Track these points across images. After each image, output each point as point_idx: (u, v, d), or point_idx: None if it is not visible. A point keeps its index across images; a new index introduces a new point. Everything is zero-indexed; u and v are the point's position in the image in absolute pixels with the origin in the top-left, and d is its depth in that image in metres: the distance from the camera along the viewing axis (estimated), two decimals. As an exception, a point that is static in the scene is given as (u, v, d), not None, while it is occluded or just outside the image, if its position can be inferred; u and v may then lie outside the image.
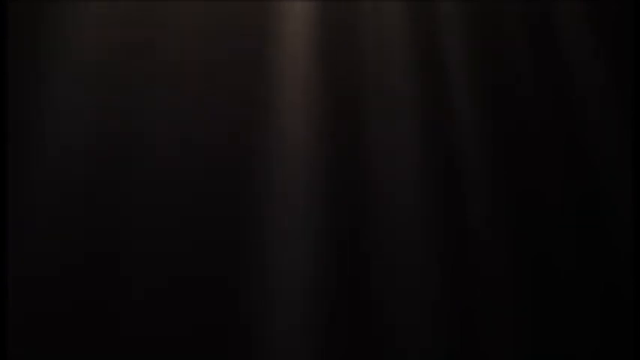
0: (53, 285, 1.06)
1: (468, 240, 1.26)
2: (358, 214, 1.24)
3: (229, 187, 1.20)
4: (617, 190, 1.34)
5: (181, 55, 1.31)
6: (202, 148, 1.23)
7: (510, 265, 1.25)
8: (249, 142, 1.25)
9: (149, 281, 1.10)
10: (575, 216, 1.33)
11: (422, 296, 1.17)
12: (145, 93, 1.26)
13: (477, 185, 1.31)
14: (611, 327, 1.23)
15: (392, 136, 1.33)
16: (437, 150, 1.34)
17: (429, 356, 1.13)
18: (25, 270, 1.06)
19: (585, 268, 1.28)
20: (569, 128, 1.42)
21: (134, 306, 1.08)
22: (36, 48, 1.24)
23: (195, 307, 1.09)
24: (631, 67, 1.48)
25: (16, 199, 1.11)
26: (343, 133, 1.31)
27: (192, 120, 1.25)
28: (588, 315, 1.23)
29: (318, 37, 1.40)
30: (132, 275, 1.10)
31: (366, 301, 1.16)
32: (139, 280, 1.10)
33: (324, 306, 1.13)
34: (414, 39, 1.47)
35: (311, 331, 1.10)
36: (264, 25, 1.38)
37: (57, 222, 1.11)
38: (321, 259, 1.16)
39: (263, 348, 1.08)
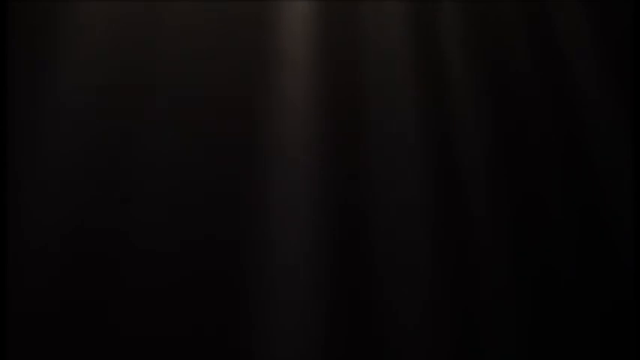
0: (53, 285, 1.06)
1: (468, 241, 1.26)
2: (358, 214, 1.24)
3: (229, 185, 1.20)
4: (618, 192, 1.34)
5: (182, 53, 1.31)
6: (202, 148, 1.23)
7: (510, 265, 1.25)
8: (249, 141, 1.25)
9: (148, 281, 1.10)
10: (575, 217, 1.33)
11: (422, 296, 1.17)
12: (144, 92, 1.26)
13: (478, 186, 1.31)
14: (611, 330, 1.23)
15: (392, 136, 1.33)
16: (437, 150, 1.34)
17: (429, 356, 1.13)
18: (25, 269, 1.06)
19: (585, 269, 1.28)
20: (569, 129, 1.42)
21: (133, 306, 1.08)
22: (36, 47, 1.24)
23: (195, 307, 1.09)
24: (631, 67, 1.48)
25: (16, 200, 1.11)
26: (343, 133, 1.31)
27: (192, 119, 1.25)
28: (588, 317, 1.23)
29: (318, 36, 1.40)
30: (131, 275, 1.10)
31: (366, 301, 1.16)
32: (138, 281, 1.10)
33: (323, 306, 1.13)
34: (415, 38, 1.47)
35: (311, 330, 1.10)
36: (265, 23, 1.38)
37: (56, 222, 1.11)
38: (321, 259, 1.16)
39: (263, 347, 1.08)
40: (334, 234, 1.20)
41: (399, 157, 1.30)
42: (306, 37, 1.39)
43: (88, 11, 1.30)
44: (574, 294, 1.24)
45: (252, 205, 1.19)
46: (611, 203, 1.33)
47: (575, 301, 1.24)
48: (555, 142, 1.40)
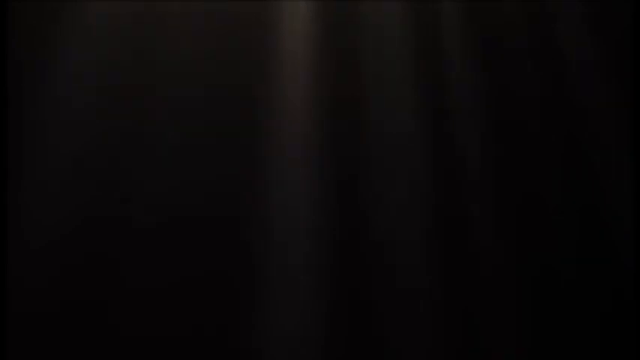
0: (53, 285, 1.06)
1: (469, 241, 1.26)
2: (358, 214, 1.23)
3: (229, 185, 1.20)
4: (618, 192, 1.34)
5: (182, 53, 1.31)
6: (202, 148, 1.23)
7: (511, 265, 1.25)
8: (249, 141, 1.25)
9: (148, 281, 1.10)
10: (575, 217, 1.33)
11: (422, 296, 1.17)
12: (144, 92, 1.26)
13: (478, 186, 1.31)
14: (612, 330, 1.23)
15: (392, 136, 1.32)
16: (437, 150, 1.34)
17: (429, 356, 1.13)
18: (25, 269, 1.06)
19: (585, 269, 1.28)
20: (569, 129, 1.42)
21: (133, 306, 1.08)
22: (36, 47, 1.24)
23: (195, 307, 1.09)
24: (631, 67, 1.48)
25: (16, 200, 1.11)
26: (343, 133, 1.31)
27: (192, 119, 1.25)
28: (588, 317, 1.23)
29: (318, 36, 1.40)
30: (131, 275, 1.10)
31: (366, 301, 1.16)
32: (138, 281, 1.10)
33: (323, 306, 1.13)
34: (415, 38, 1.47)
35: (311, 330, 1.10)
36: (265, 24, 1.38)
37: (56, 222, 1.11)
38: (321, 259, 1.16)
39: (263, 347, 1.08)
40: (334, 234, 1.20)
41: (398, 157, 1.30)
42: (306, 37, 1.39)
43: (88, 11, 1.30)
44: (574, 294, 1.24)
45: (252, 205, 1.19)
46: (611, 203, 1.33)
47: (575, 301, 1.24)
48: (555, 142, 1.40)
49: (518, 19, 1.54)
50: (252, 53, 1.34)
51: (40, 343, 1.02)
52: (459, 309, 1.19)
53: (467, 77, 1.43)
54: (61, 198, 1.12)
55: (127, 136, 1.21)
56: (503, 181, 1.33)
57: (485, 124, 1.39)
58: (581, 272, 1.27)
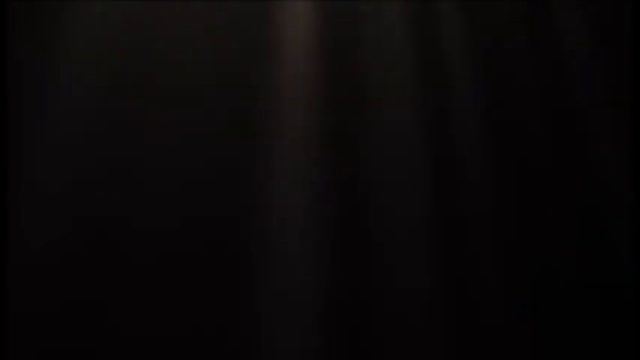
0: (53, 285, 1.06)
1: (468, 240, 1.26)
2: (358, 214, 1.23)
3: (229, 186, 1.20)
4: (618, 192, 1.34)
5: (182, 53, 1.31)
6: (203, 148, 1.23)
7: (510, 266, 1.25)
8: (249, 141, 1.25)
9: (148, 281, 1.10)
10: (576, 217, 1.33)
11: (422, 296, 1.17)
12: (144, 92, 1.26)
13: (478, 185, 1.31)
14: (612, 330, 1.23)
15: (392, 136, 1.32)
16: (437, 150, 1.34)
17: (429, 356, 1.13)
18: (25, 269, 1.06)
19: (585, 269, 1.28)
20: (570, 129, 1.42)
21: (133, 307, 1.08)
22: (36, 47, 1.24)
23: (195, 307, 1.09)
24: (631, 68, 1.48)
25: (16, 200, 1.11)
26: (343, 133, 1.31)
27: (192, 119, 1.25)
28: (588, 317, 1.23)
29: (318, 36, 1.40)
30: (131, 275, 1.10)
31: (366, 301, 1.16)
32: (138, 281, 1.10)
33: (324, 306, 1.13)
34: (415, 38, 1.47)
35: (311, 330, 1.10)
36: (265, 24, 1.38)
37: (56, 222, 1.11)
38: (321, 259, 1.16)
39: (263, 347, 1.08)
40: (334, 234, 1.20)
41: (398, 157, 1.30)
42: (307, 37, 1.39)
43: (88, 11, 1.30)
44: (574, 294, 1.24)
45: (252, 206, 1.19)
46: (611, 203, 1.33)
47: (575, 301, 1.24)
48: (555, 142, 1.40)
49: (518, 19, 1.54)
50: (253, 53, 1.34)
51: (40, 343, 1.02)
52: (459, 309, 1.19)
53: (467, 77, 1.43)
54: (61, 198, 1.12)
55: (127, 135, 1.21)
56: (503, 181, 1.33)
57: (486, 124, 1.39)
58: (581, 272, 1.27)
